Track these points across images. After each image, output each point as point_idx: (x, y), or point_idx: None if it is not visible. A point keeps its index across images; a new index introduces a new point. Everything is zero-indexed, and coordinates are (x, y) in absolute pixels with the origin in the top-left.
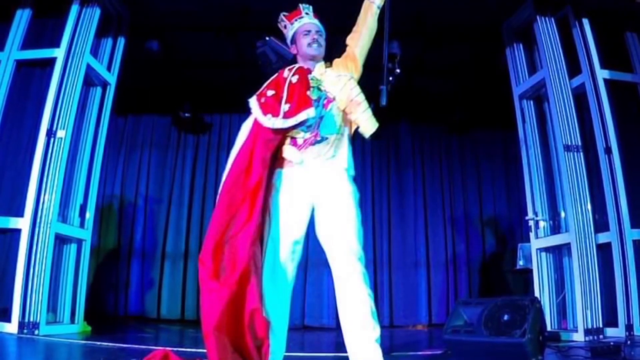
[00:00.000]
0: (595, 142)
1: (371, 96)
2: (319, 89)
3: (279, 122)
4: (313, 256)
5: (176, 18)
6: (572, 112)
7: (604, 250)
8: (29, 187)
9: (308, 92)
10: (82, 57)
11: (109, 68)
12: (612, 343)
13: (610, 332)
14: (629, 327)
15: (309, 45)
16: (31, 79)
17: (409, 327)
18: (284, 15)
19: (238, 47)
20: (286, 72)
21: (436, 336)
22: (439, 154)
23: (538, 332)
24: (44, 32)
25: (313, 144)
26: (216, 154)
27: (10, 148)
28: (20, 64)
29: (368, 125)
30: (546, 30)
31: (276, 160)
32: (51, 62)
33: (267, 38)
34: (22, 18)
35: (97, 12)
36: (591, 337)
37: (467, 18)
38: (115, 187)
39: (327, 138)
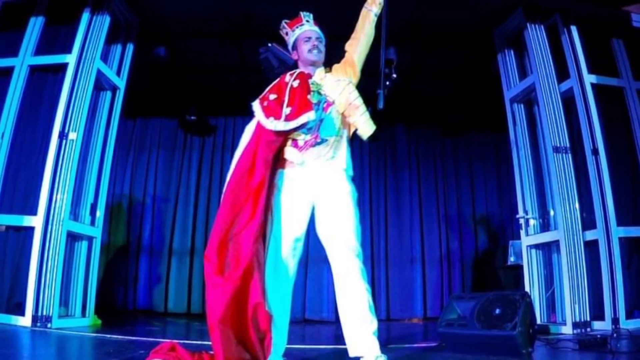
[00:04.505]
0: (582, 143)
1: (369, 100)
2: (319, 93)
3: (280, 125)
4: (313, 253)
5: (183, 25)
6: (560, 115)
7: (591, 247)
8: (42, 186)
9: (308, 96)
10: (92, 63)
11: (118, 73)
12: (599, 336)
13: (597, 325)
14: (615, 321)
15: (310, 51)
16: (44, 83)
17: (404, 321)
18: (285, 23)
19: (242, 53)
20: (288, 77)
21: (431, 329)
22: (433, 155)
23: (528, 325)
24: (57, 39)
25: (313, 145)
26: (221, 155)
27: (24, 149)
28: (34, 69)
29: (366, 127)
30: (536, 36)
31: (278, 161)
32: (63, 67)
33: (269, 44)
34: (35, 25)
35: (107, 19)
36: (579, 330)
37: (461, 25)
38: (124, 187)
39: (326, 140)
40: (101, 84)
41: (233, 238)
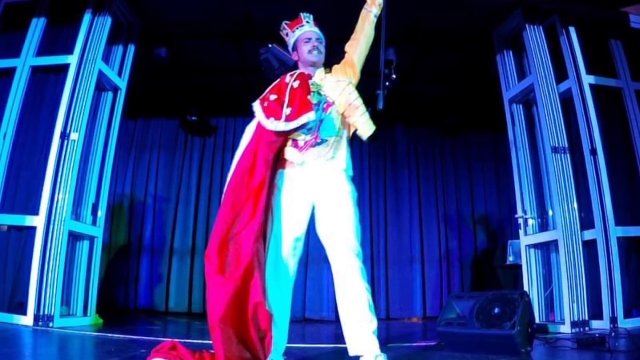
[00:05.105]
0: (581, 144)
1: (369, 100)
2: (319, 94)
3: (281, 125)
4: (313, 252)
5: (184, 26)
6: (559, 115)
7: (589, 247)
8: (44, 186)
9: (309, 97)
10: (94, 63)
11: (119, 74)
12: (597, 335)
13: (595, 324)
14: (613, 320)
15: (310, 52)
16: (46, 84)
17: (404, 320)
18: (285, 24)
19: (242, 53)
20: (288, 78)
21: (430, 328)
22: (432, 155)
23: (527, 325)
24: (58, 40)
25: (313, 145)
26: (221, 155)
27: (26, 150)
28: (36, 70)
29: (366, 128)
30: (535, 38)
31: (278, 161)
32: (65, 68)
33: (269, 45)
34: (37, 26)
35: (109, 20)
36: (577, 329)
37: (459, 26)
38: (125, 187)
39: (326, 140)
40: (102, 84)
41: (234, 238)
